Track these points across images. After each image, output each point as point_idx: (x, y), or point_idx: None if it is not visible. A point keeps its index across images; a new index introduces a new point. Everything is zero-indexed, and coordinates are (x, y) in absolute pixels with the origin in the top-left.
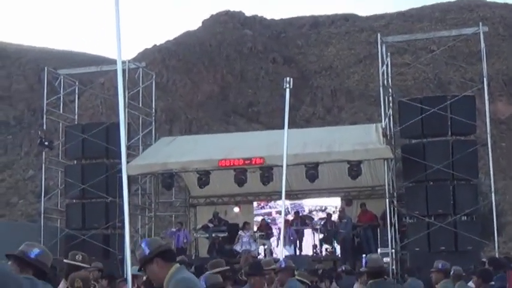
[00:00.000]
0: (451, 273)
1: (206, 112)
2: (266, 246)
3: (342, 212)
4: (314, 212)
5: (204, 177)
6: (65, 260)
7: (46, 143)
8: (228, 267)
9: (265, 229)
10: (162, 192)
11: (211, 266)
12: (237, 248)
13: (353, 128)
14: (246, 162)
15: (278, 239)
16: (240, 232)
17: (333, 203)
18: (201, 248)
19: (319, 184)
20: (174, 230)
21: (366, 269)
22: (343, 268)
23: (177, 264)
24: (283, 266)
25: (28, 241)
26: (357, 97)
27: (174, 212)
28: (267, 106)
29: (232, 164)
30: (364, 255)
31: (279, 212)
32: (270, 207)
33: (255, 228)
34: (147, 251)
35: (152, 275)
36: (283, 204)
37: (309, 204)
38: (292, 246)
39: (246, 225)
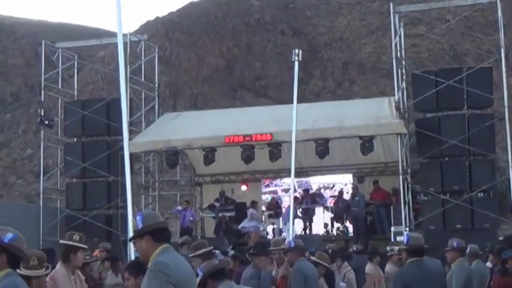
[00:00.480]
0: (467, 251)
1: (211, 86)
2: (275, 226)
3: (354, 189)
4: (322, 190)
5: (209, 155)
6: (61, 241)
7: (46, 122)
8: (211, 247)
9: (275, 208)
10: (166, 170)
11: (194, 247)
12: (246, 224)
13: (365, 102)
14: (254, 138)
15: (286, 218)
16: (251, 210)
17: (344, 180)
18: (207, 228)
19: (330, 161)
20: (180, 208)
21: (406, 246)
22: (355, 248)
23: (165, 245)
24: (292, 245)
25: (28, 222)
26: (368, 70)
27: (178, 191)
28: (275, 80)
29: (239, 141)
30: (405, 231)
31: (285, 190)
32: (276, 185)
33: (264, 208)
34: (139, 225)
35: (140, 250)
36: (292, 181)
37: (317, 181)
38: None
39: (255, 204)
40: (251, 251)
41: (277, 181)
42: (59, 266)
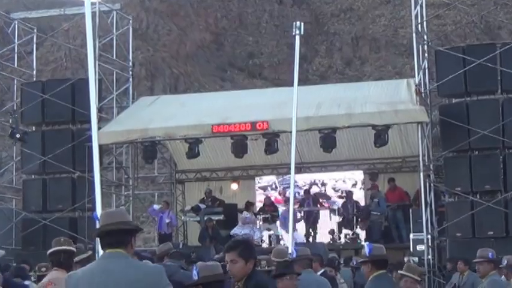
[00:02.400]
0: (503, 264)
1: (196, 66)
2: (272, 232)
3: (374, 187)
4: (326, 188)
5: (194, 147)
6: (55, 249)
7: (18, 135)
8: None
9: (270, 210)
10: (141, 165)
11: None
12: (237, 231)
13: (379, 84)
14: (246, 127)
15: (283, 222)
16: (245, 213)
17: (354, 178)
18: (191, 234)
19: (337, 155)
20: (156, 207)
21: (368, 258)
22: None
23: None
24: (294, 256)
25: None
26: (383, 46)
27: (156, 190)
28: (272, 58)
29: (228, 130)
30: (367, 243)
31: (263, 188)
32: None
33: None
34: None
35: None
36: (292, 179)
37: (320, 178)
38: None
39: (250, 206)
40: (274, 273)
41: (265, 178)
42: (59, 274)
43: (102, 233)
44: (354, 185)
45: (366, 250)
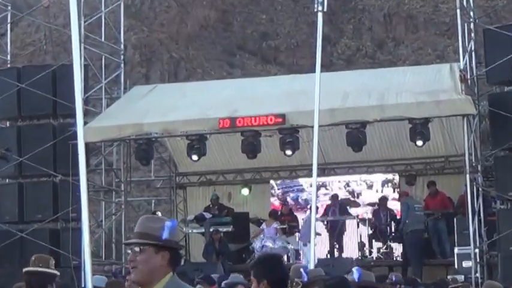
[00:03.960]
0: None
1: (200, 49)
2: (291, 246)
3: (403, 195)
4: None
5: (197, 145)
6: (25, 269)
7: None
8: None
9: (288, 219)
10: (135, 167)
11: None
12: (256, 245)
13: (416, 70)
14: (260, 121)
15: (304, 234)
16: (264, 225)
17: (386, 181)
18: (194, 249)
19: (367, 154)
20: None
21: (357, 284)
22: (393, 278)
23: (172, 274)
24: (305, 280)
25: None
26: (421, 25)
27: (153, 196)
28: (289, 39)
29: (238, 125)
30: (356, 268)
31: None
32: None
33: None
34: (165, 235)
35: (144, 265)
36: (314, 183)
37: (346, 181)
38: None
39: (271, 214)
40: None
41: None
42: None
43: (179, 251)
44: (385, 185)
45: (355, 276)
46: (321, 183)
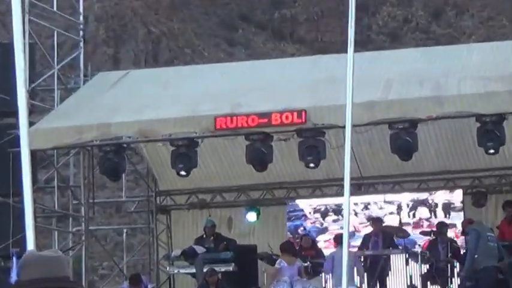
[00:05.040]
0: None
1: (188, 22)
2: None
3: (467, 223)
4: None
5: (185, 154)
6: None
7: None
8: None
9: (311, 255)
10: (101, 184)
11: None
12: None
13: (486, 48)
14: (271, 120)
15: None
16: (279, 262)
17: (446, 200)
18: None
19: (418, 164)
20: (125, 286)
21: None
22: None
23: None
24: None
25: None
26: None
27: (126, 224)
28: (311, 7)
29: (242, 126)
30: None
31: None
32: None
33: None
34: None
35: None
36: (346, 205)
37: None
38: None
39: (289, 249)
40: None
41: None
42: None
43: None
44: (434, 208)
45: None
46: (362, 204)
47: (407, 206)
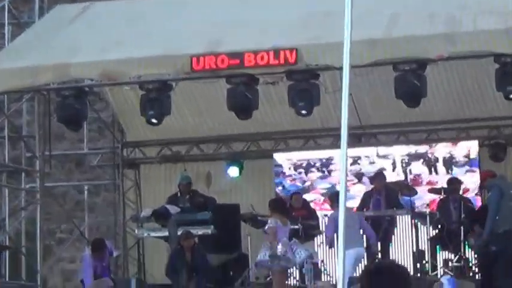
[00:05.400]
0: None
1: None
2: (310, 258)
3: (486, 175)
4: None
5: (157, 98)
6: None
7: None
8: None
9: (303, 215)
10: (59, 134)
11: None
12: (261, 256)
13: None
14: (257, 60)
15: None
16: (275, 222)
17: (460, 153)
18: (153, 263)
19: (426, 112)
20: (87, 256)
21: None
22: None
23: None
24: None
25: None
26: None
27: (87, 180)
28: None
29: (222, 67)
30: (447, 277)
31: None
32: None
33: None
34: None
35: None
36: (343, 158)
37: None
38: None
39: (282, 207)
40: None
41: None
42: None
43: None
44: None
45: None
46: (351, 159)
47: (402, 161)
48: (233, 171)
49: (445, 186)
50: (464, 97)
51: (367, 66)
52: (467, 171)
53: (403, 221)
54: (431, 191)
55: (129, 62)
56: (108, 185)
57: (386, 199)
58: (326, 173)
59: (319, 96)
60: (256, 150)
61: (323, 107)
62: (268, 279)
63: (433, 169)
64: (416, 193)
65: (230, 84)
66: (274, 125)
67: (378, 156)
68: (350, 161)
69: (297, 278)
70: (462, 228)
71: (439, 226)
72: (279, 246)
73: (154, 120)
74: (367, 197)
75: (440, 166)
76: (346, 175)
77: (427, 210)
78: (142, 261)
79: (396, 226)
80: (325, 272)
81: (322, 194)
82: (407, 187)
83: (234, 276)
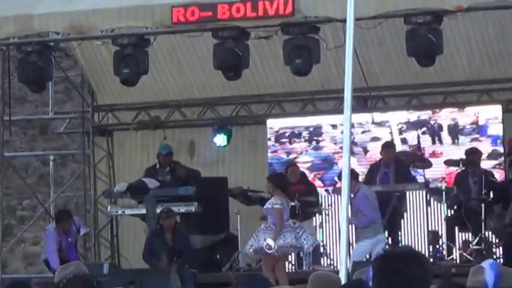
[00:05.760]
0: None
1: None
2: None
3: None
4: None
5: (132, 54)
6: None
7: None
8: None
9: (300, 191)
10: (20, 96)
11: None
12: (261, 242)
13: None
14: (247, 11)
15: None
16: (281, 203)
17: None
18: (128, 245)
19: (444, 70)
20: (52, 228)
21: None
22: None
23: None
24: None
25: None
26: None
27: (53, 150)
28: None
29: (206, 17)
30: (489, 262)
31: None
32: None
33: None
34: None
35: None
36: (346, 124)
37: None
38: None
39: (284, 183)
40: None
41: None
42: None
43: None
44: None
45: (487, 278)
46: (356, 123)
47: (399, 129)
48: (220, 140)
49: (463, 157)
50: (486, 55)
51: (374, 19)
52: (472, 139)
53: (416, 198)
54: (447, 162)
55: (100, 13)
56: (77, 155)
57: (395, 172)
58: (313, 143)
59: (319, 53)
60: (246, 116)
61: (323, 65)
62: (260, 263)
63: (436, 138)
64: (431, 165)
65: (217, 38)
66: (268, 86)
67: (374, 123)
68: (340, 129)
69: (293, 262)
70: (483, 206)
71: (457, 203)
72: (288, 234)
73: (129, 80)
74: (374, 170)
75: (445, 134)
76: (351, 146)
77: (443, 185)
78: (116, 242)
79: (407, 203)
80: (326, 255)
81: (308, 168)
82: (421, 158)
83: (221, 260)
